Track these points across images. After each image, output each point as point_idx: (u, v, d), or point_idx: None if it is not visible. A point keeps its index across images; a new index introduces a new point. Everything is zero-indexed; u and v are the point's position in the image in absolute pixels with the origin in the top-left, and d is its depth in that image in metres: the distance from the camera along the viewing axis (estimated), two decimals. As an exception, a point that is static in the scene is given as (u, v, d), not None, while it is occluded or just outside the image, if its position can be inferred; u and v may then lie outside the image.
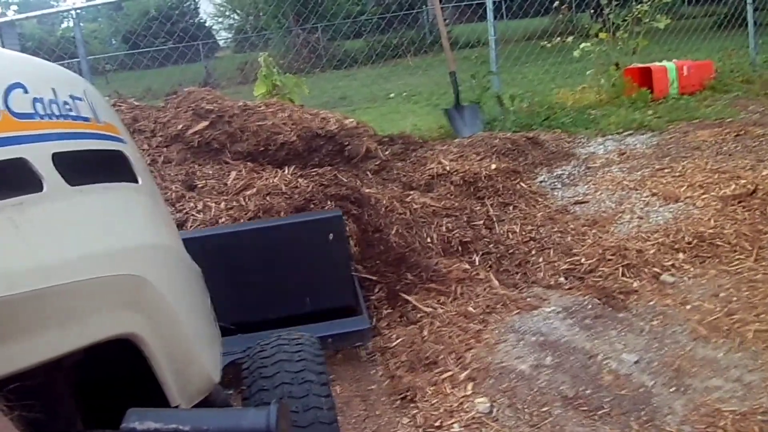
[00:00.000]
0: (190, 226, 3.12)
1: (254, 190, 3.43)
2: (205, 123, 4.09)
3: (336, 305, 2.78)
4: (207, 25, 21.82)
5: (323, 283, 2.75)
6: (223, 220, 3.16)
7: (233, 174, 3.70)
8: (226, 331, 1.79)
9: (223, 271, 2.50)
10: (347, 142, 4.33)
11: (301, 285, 2.73)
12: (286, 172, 3.71)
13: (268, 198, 3.32)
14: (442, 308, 2.89)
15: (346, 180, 3.73)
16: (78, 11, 7.13)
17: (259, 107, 4.43)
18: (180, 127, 4.08)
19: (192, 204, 3.30)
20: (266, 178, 3.56)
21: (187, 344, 1.21)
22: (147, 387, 1.11)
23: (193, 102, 4.26)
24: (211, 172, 3.77)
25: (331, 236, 2.72)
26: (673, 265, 3.15)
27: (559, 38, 7.33)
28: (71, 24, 7.82)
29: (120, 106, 4.37)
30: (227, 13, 22.54)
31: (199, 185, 3.59)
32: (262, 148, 4.06)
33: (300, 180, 3.52)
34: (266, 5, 15.20)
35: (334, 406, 1.48)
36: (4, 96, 0.92)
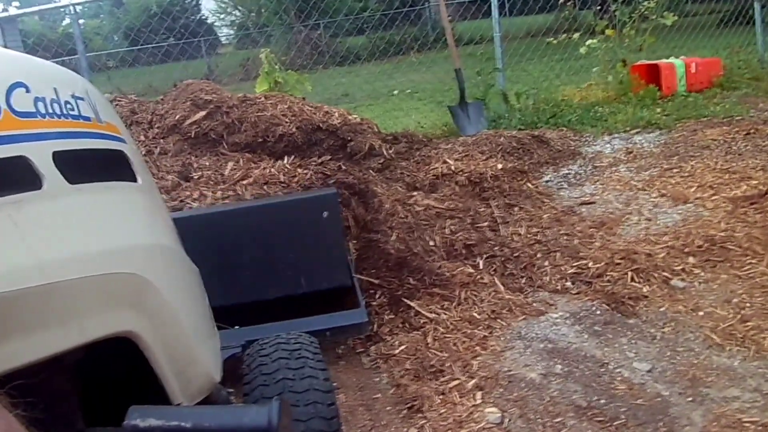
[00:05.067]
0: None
1: (251, 179, 3.36)
2: (203, 113, 4.02)
3: (331, 285, 2.73)
4: (208, 21, 21.73)
5: (317, 263, 2.69)
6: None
7: (230, 165, 3.63)
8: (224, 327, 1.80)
9: (216, 250, 2.47)
10: (350, 138, 4.25)
11: (295, 264, 2.68)
12: (285, 161, 3.63)
13: (265, 187, 3.25)
14: (446, 314, 2.82)
15: (349, 170, 3.65)
16: (77, 7, 7.05)
17: (259, 98, 4.36)
18: (177, 117, 4.01)
19: (188, 193, 3.25)
20: (264, 168, 3.48)
21: (187, 343, 1.21)
22: (149, 386, 1.11)
23: (191, 93, 4.20)
24: (207, 163, 3.70)
25: (325, 214, 2.66)
26: (683, 270, 3.07)
27: (565, 35, 7.24)
28: (72, 20, 7.72)
29: (120, 101, 4.32)
30: (229, 10, 22.43)
31: (195, 176, 3.52)
32: (261, 140, 3.97)
33: (299, 170, 3.45)
34: (268, 1, 15.11)
35: (333, 389, 1.53)
36: (6, 95, 0.93)
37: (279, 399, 1.06)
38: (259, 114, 4.09)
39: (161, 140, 3.93)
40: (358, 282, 2.85)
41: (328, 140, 4.20)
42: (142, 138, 3.94)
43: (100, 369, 1.18)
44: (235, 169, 3.57)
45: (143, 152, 3.74)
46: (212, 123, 4.01)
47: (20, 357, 0.85)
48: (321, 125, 4.17)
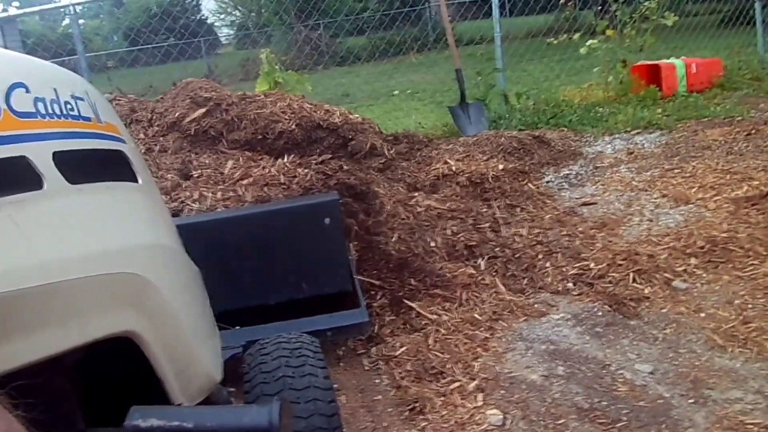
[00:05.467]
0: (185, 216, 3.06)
1: (251, 179, 3.34)
2: (203, 110, 4.01)
3: (333, 290, 2.74)
4: (209, 21, 21.74)
5: (320, 268, 2.70)
6: (219, 211, 3.09)
7: (230, 163, 3.61)
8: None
9: (218, 257, 2.47)
10: (351, 136, 4.23)
11: (297, 270, 2.68)
12: (285, 160, 3.61)
13: (265, 189, 3.24)
14: (447, 315, 2.81)
15: (351, 170, 3.63)
16: (77, 7, 7.04)
17: (258, 96, 4.36)
18: (177, 115, 4.00)
19: (188, 193, 3.23)
20: (263, 167, 3.47)
21: (187, 343, 1.22)
22: (149, 386, 1.11)
23: (191, 91, 4.20)
24: (207, 161, 3.69)
25: (327, 221, 2.66)
26: (685, 271, 3.06)
27: (565, 35, 7.23)
28: (72, 21, 7.70)
29: (119, 101, 4.32)
30: (229, 10, 22.44)
31: (195, 175, 3.51)
32: (260, 137, 3.96)
33: (299, 170, 3.43)
34: (268, 2, 15.10)
35: (332, 387, 1.54)
36: (6, 95, 0.93)
37: (279, 399, 1.07)
38: (258, 111, 4.07)
39: (161, 138, 3.92)
40: (358, 282, 2.85)
41: (328, 138, 4.19)
42: (142, 136, 3.93)
43: (101, 369, 1.19)
44: (234, 167, 3.56)
45: (143, 150, 3.74)
46: (212, 120, 4.00)
47: (21, 357, 0.85)
48: (321, 123, 4.16)
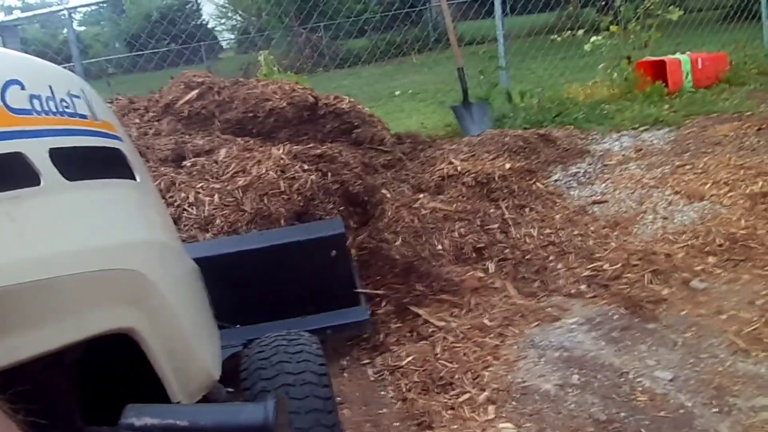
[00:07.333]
0: (183, 225, 2.98)
1: (247, 179, 3.23)
2: (195, 92, 4.09)
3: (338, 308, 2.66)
4: (209, 26, 21.67)
5: (326, 295, 2.63)
6: (217, 222, 2.99)
7: (223, 152, 3.55)
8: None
9: (228, 286, 2.41)
10: (357, 124, 4.18)
11: (305, 298, 2.60)
12: (281, 151, 3.49)
13: (265, 199, 3.13)
14: (455, 322, 2.69)
15: (357, 170, 3.52)
16: (72, 11, 6.96)
17: (250, 81, 4.44)
18: (171, 98, 4.07)
19: (183, 194, 3.14)
20: (259, 161, 3.37)
21: (186, 340, 1.21)
22: (147, 384, 1.11)
23: (185, 79, 4.32)
24: (201, 143, 3.66)
25: (333, 253, 2.58)
26: (703, 270, 2.93)
27: (569, 32, 7.11)
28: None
29: (119, 99, 4.36)
30: (229, 15, 22.37)
31: (188, 164, 3.45)
32: (251, 115, 3.99)
33: (297, 167, 3.30)
34: (267, 4, 15.02)
35: (328, 373, 1.54)
36: (1, 92, 0.94)
37: (275, 396, 1.06)
38: (249, 92, 4.13)
39: (155, 122, 3.97)
40: (358, 277, 2.75)
41: (332, 122, 4.17)
42: (137, 121, 3.98)
43: (99, 367, 1.18)
44: (227, 157, 3.47)
45: (137, 135, 3.77)
46: (204, 102, 4.05)
47: (19, 352, 0.85)
48: (318, 103, 4.19)
